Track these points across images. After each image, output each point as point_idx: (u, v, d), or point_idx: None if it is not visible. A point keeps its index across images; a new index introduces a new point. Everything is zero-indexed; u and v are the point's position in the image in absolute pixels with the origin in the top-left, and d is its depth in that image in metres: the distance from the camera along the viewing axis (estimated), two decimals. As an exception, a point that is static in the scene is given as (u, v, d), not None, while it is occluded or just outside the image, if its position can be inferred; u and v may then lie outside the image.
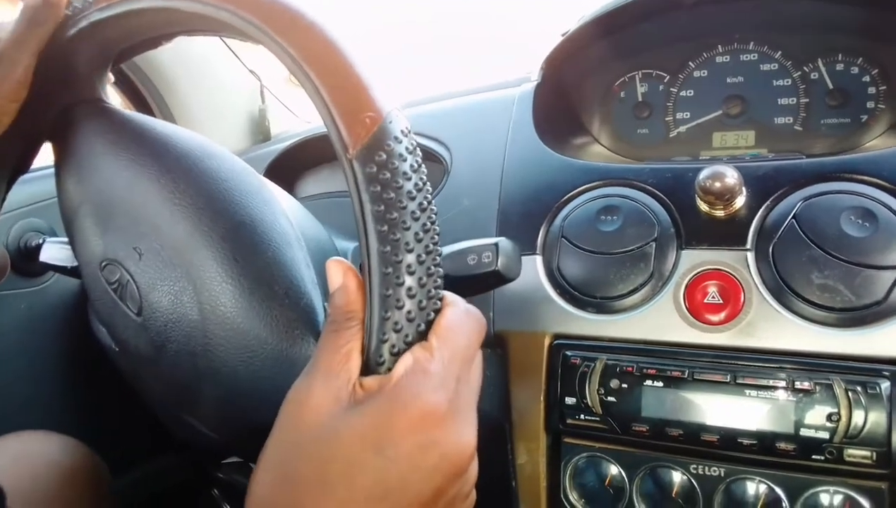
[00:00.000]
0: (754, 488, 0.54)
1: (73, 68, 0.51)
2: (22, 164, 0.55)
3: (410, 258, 0.36)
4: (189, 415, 0.54)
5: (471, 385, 0.38)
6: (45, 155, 0.58)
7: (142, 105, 1.09)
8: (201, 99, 1.14)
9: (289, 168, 0.91)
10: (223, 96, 1.17)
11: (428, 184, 0.38)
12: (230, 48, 1.16)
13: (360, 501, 0.34)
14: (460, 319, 0.38)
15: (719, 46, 0.74)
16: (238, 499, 1.17)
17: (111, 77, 0.57)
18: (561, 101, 0.76)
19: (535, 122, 0.71)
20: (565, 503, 0.60)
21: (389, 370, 0.36)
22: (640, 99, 0.76)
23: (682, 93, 0.75)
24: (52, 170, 0.97)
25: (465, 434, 0.36)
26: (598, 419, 0.57)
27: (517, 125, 0.72)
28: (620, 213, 0.60)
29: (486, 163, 0.71)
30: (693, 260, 0.57)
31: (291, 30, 0.38)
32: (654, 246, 0.58)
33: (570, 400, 0.58)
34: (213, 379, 0.49)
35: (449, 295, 0.39)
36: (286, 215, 0.53)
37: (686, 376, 0.54)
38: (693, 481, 0.55)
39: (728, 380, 0.53)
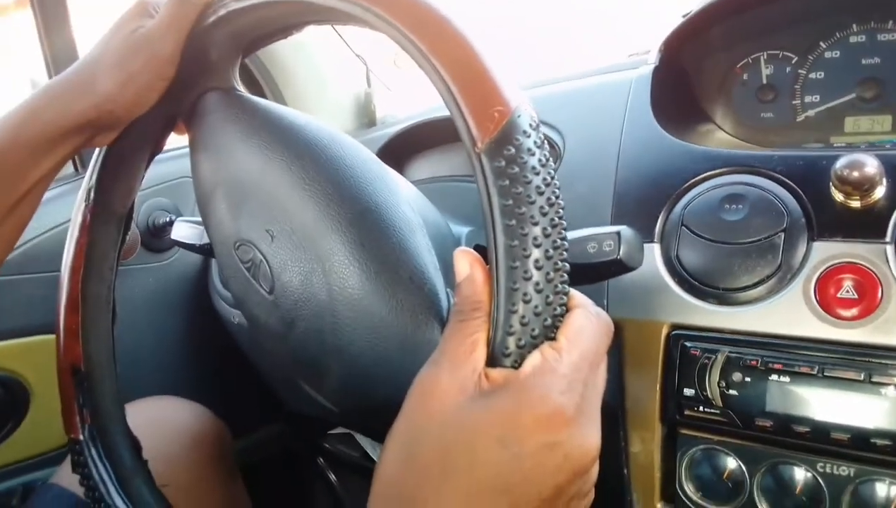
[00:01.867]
0: (886, 490, 0.52)
1: (208, 56, 0.54)
2: (159, 145, 0.59)
3: (538, 253, 0.36)
4: (313, 389, 0.57)
5: (597, 389, 0.38)
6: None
7: (252, 85, 1.13)
8: (310, 81, 1.17)
9: (399, 152, 0.92)
10: (331, 79, 1.20)
11: (556, 179, 0.37)
12: (338, 32, 1.19)
13: (482, 491, 0.34)
14: (590, 322, 0.38)
15: (854, 25, 0.69)
16: (342, 468, 1.22)
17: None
18: (679, 85, 0.74)
19: (653, 106, 0.69)
20: (680, 494, 0.59)
21: (515, 362, 0.36)
22: (764, 81, 0.73)
23: (812, 76, 0.71)
24: (176, 152, 1.03)
25: (590, 436, 0.36)
26: (717, 412, 0.56)
27: (634, 109, 0.70)
28: (746, 202, 0.58)
29: (601, 148, 0.70)
30: (825, 252, 0.54)
31: (421, 23, 0.39)
32: (782, 236, 0.56)
33: (688, 392, 0.57)
34: (339, 356, 0.51)
35: (578, 296, 0.39)
36: (408, 201, 0.54)
37: (816, 372, 0.52)
38: (819, 479, 0.53)
39: (862, 378, 0.51)
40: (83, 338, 0.57)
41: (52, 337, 0.57)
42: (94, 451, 0.55)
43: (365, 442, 1.12)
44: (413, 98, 1.22)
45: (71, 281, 0.56)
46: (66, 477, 0.74)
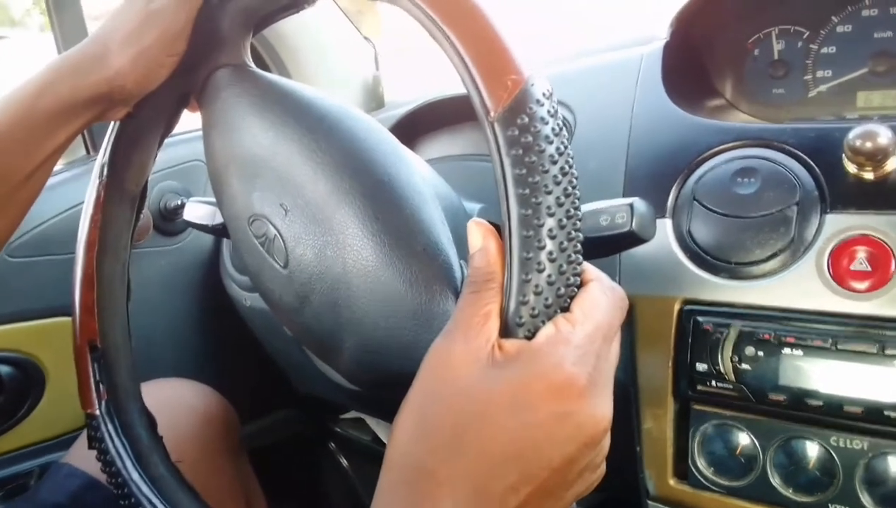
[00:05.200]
0: (900, 464, 0.52)
1: (219, 31, 0.54)
2: (171, 122, 0.59)
3: (552, 222, 0.36)
4: (328, 364, 0.57)
5: (610, 362, 0.38)
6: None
7: (259, 66, 1.13)
8: (317, 63, 1.17)
9: (408, 132, 0.92)
10: (339, 63, 1.20)
11: (570, 148, 0.37)
12: (346, 15, 1.19)
13: (492, 459, 0.35)
14: (605, 295, 0.38)
15: (866, -1, 0.69)
16: (353, 452, 1.23)
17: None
18: (690, 60, 0.74)
19: (664, 82, 0.69)
20: (693, 470, 0.59)
21: (529, 331, 0.37)
22: (776, 57, 0.73)
23: (824, 50, 0.71)
24: (187, 135, 1.04)
25: (602, 407, 0.36)
26: (730, 386, 0.56)
27: (645, 85, 0.70)
28: (759, 175, 0.58)
29: (612, 124, 0.69)
30: (839, 224, 0.54)
31: None
32: (795, 209, 0.55)
33: (701, 367, 0.57)
34: (354, 329, 0.51)
35: (593, 270, 0.39)
36: (421, 174, 0.54)
37: (829, 345, 0.52)
38: (833, 453, 0.53)
39: (875, 351, 0.51)
40: (99, 315, 0.57)
41: (67, 319, 0.57)
42: (110, 426, 0.56)
43: (375, 426, 1.13)
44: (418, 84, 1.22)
45: (86, 257, 0.57)
46: (77, 457, 0.75)
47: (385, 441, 1.11)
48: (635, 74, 0.71)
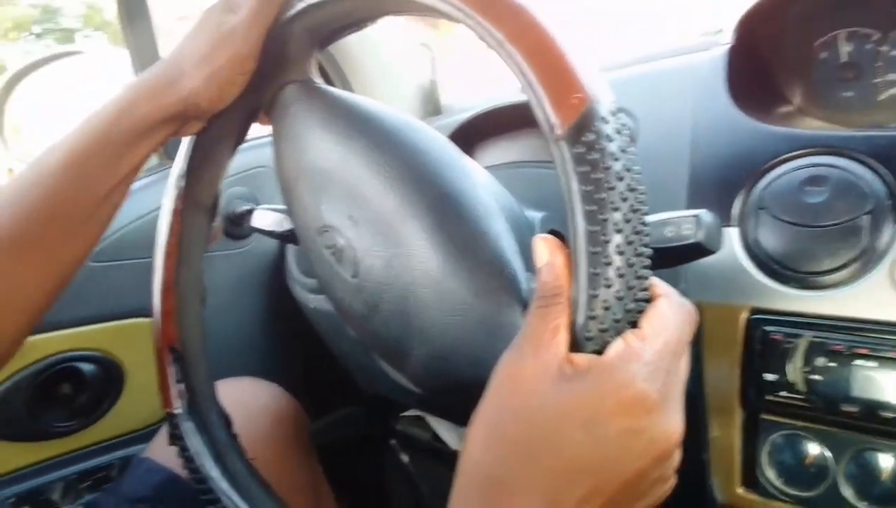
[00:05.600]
0: (978, 478, 0.50)
1: (286, 50, 0.56)
2: (242, 135, 0.62)
3: (619, 238, 0.36)
4: (396, 370, 0.59)
5: (679, 377, 0.38)
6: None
7: (321, 76, 1.16)
8: (377, 71, 1.19)
9: (468, 138, 0.93)
10: (396, 68, 1.21)
11: (637, 165, 0.38)
12: (403, 20, 1.20)
13: (565, 473, 0.36)
14: (674, 311, 0.38)
15: (939, -1, 0.67)
16: (414, 450, 1.25)
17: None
18: (755, 65, 0.73)
19: (729, 88, 0.68)
20: (761, 480, 0.59)
21: (598, 346, 0.37)
22: (844, 59, 0.71)
23: (894, 53, 0.69)
24: (252, 143, 1.07)
25: (673, 422, 0.37)
26: (801, 397, 0.55)
27: (707, 91, 0.69)
28: (828, 184, 0.57)
29: (675, 131, 0.69)
30: (913, 234, 0.53)
31: (497, 11, 0.39)
32: (867, 219, 0.54)
33: (769, 377, 0.57)
34: (422, 337, 0.52)
35: (663, 285, 0.39)
36: (484, 186, 0.55)
37: (904, 357, 0.51)
38: (909, 466, 0.52)
39: (953, 363, 0.50)
40: (178, 321, 0.60)
41: (143, 320, 0.60)
42: (190, 425, 0.59)
43: (435, 425, 1.14)
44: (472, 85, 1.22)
45: (165, 265, 0.60)
46: (157, 452, 0.78)
47: (446, 440, 1.12)
48: (698, 80, 0.71)
